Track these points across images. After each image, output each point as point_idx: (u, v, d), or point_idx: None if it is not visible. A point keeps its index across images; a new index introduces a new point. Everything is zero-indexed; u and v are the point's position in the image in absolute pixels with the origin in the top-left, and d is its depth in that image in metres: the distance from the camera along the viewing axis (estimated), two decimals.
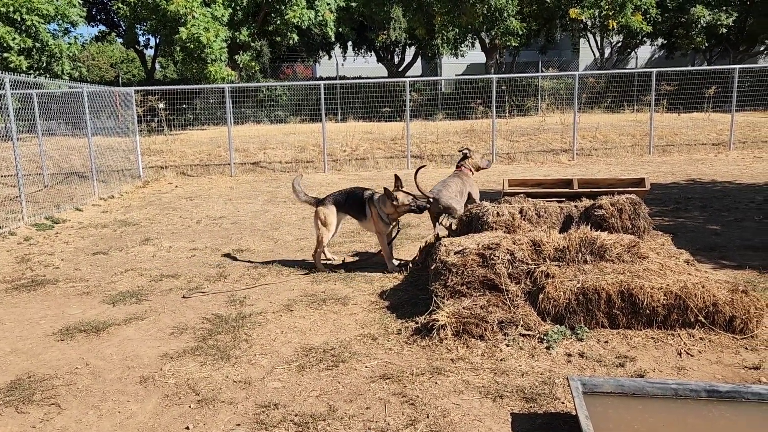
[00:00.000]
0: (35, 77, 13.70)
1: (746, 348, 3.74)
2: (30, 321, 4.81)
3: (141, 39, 27.17)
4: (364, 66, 32.42)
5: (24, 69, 14.95)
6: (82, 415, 3.28)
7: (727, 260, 5.66)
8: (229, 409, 3.28)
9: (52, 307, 5.16)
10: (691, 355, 3.68)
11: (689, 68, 20.07)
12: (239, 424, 3.12)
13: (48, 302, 5.30)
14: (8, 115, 8.72)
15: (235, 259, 6.58)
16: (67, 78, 16.43)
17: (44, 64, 16.05)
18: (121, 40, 30.15)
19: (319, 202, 6.12)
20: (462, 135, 16.55)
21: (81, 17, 17.22)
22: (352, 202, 6.01)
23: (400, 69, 31.25)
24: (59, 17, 16.27)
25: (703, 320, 3.85)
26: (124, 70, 43.43)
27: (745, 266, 5.39)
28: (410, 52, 31.65)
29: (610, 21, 23.08)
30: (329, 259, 6.26)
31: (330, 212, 5.99)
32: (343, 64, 31.57)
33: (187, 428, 3.10)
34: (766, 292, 4.67)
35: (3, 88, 8.63)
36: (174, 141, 16.68)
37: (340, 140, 16.10)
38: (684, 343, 3.80)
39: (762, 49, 30.38)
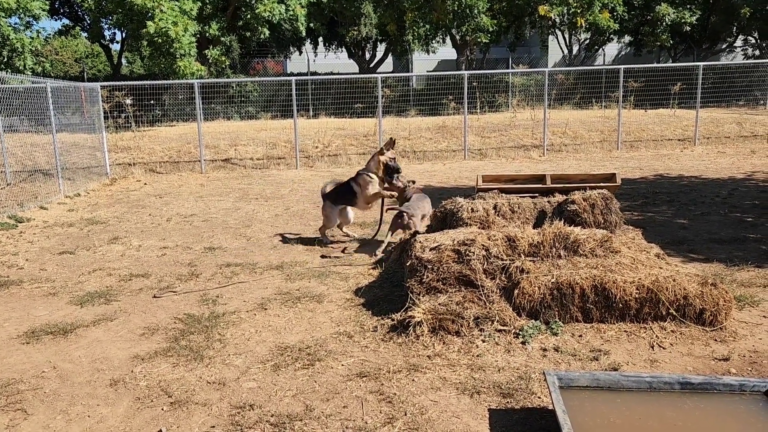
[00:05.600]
0: None
1: (715, 340, 3.82)
2: None
3: (107, 33, 26.53)
4: (335, 62, 32.26)
5: None
6: (49, 420, 3.18)
7: (695, 254, 5.78)
8: (203, 410, 3.22)
9: (16, 308, 5.00)
10: (663, 348, 3.75)
11: (655, 65, 20.51)
12: (214, 426, 3.06)
13: (12, 304, 5.13)
14: None
15: (206, 257, 6.47)
16: (30, 73, 15.95)
17: (5, 59, 15.55)
18: (85, 34, 29.43)
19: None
20: (434, 131, 16.59)
21: (43, 10, 16.72)
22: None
23: (371, 65, 31.18)
24: (21, 10, 15.77)
25: (674, 313, 3.93)
26: (89, 65, 42.43)
27: (713, 259, 5.51)
28: (381, 48, 31.63)
29: (578, 18, 23.42)
30: (346, 235, 7.03)
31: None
32: (314, 60, 31.37)
33: (161, 431, 3.03)
34: (734, 284, 4.78)
35: None
36: (142, 138, 16.34)
37: (312, 137, 15.98)
38: (656, 336, 3.87)
39: (724, 46, 31.20)
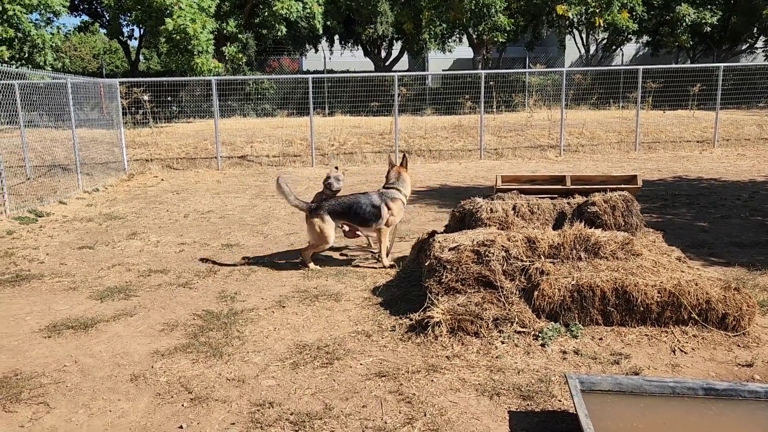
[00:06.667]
0: (17, 68, 13.43)
1: (739, 345, 3.77)
2: (15, 317, 4.71)
3: (125, 30, 26.76)
4: (351, 60, 32.28)
5: (6, 59, 14.65)
6: (71, 414, 3.21)
7: (716, 257, 5.71)
8: (222, 407, 3.23)
9: (38, 302, 5.06)
10: (685, 353, 3.70)
11: (675, 66, 20.26)
12: (234, 423, 3.08)
13: (33, 298, 5.19)
14: None
15: (224, 253, 6.50)
16: (50, 69, 16.13)
17: (26, 55, 15.74)
18: (104, 30, 29.72)
19: (313, 211, 5.70)
20: (450, 130, 16.55)
21: (64, 7, 16.92)
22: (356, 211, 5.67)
23: (387, 63, 31.17)
24: (42, 7, 15.96)
25: (696, 317, 3.88)
26: (107, 61, 42.80)
27: (734, 263, 5.44)
28: (397, 46, 31.57)
29: (596, 18, 23.23)
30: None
31: (327, 225, 5.65)
32: (330, 58, 31.40)
33: (181, 427, 3.05)
34: (756, 289, 4.72)
35: None
36: (159, 134, 16.46)
37: (327, 134, 16.01)
38: (678, 340, 3.82)
39: (745, 47, 30.77)
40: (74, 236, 7.63)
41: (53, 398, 3.37)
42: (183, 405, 3.27)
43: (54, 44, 16.71)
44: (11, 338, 4.27)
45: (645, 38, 29.82)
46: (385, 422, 3.04)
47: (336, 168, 6.46)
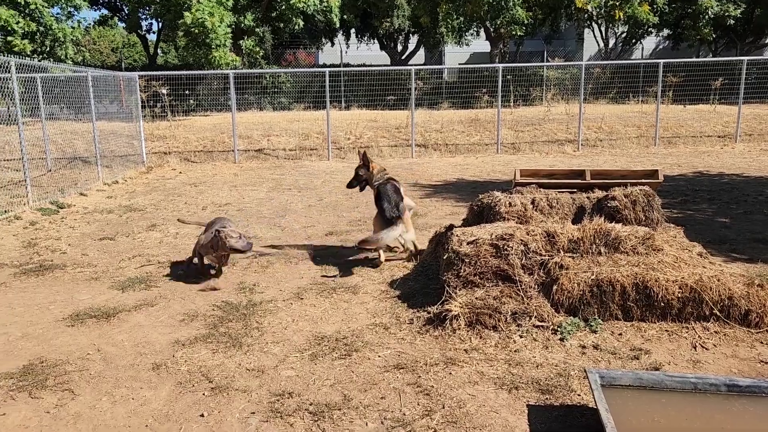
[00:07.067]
0: (39, 61, 13.60)
1: (761, 342, 3.72)
2: (40, 306, 4.79)
3: (144, 23, 26.98)
4: (367, 54, 32.24)
5: (28, 53, 14.84)
6: (95, 401, 3.26)
7: (738, 253, 5.64)
8: (243, 397, 3.27)
9: (61, 292, 5.14)
10: (706, 349, 3.67)
11: (696, 59, 19.94)
12: (254, 413, 3.11)
13: (57, 287, 5.28)
14: (13, 99, 8.65)
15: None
16: (71, 62, 16.32)
17: (48, 48, 15.93)
18: (123, 24, 29.96)
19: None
20: (466, 124, 16.48)
21: (84, 1, 17.08)
22: None
23: (403, 57, 31.10)
24: (63, 0, 16.13)
25: (718, 314, 3.84)
26: (125, 55, 43.17)
27: (757, 260, 5.36)
28: (413, 40, 31.47)
29: (616, 11, 22.93)
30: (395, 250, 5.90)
31: None
32: (346, 52, 31.38)
33: (202, 415, 3.09)
34: None
35: (8, 72, 8.55)
36: (177, 127, 16.60)
37: (344, 128, 16.02)
38: (699, 336, 3.79)
39: None
40: (95, 227, 7.73)
41: (77, 385, 3.43)
42: (204, 394, 3.31)
43: (75, 38, 16.90)
44: (36, 326, 4.35)
45: (666, 31, 29.39)
46: (404, 414, 3.05)
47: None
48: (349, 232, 7.02)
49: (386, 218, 5.41)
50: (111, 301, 4.84)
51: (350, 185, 6.08)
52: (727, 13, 24.57)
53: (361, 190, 6.09)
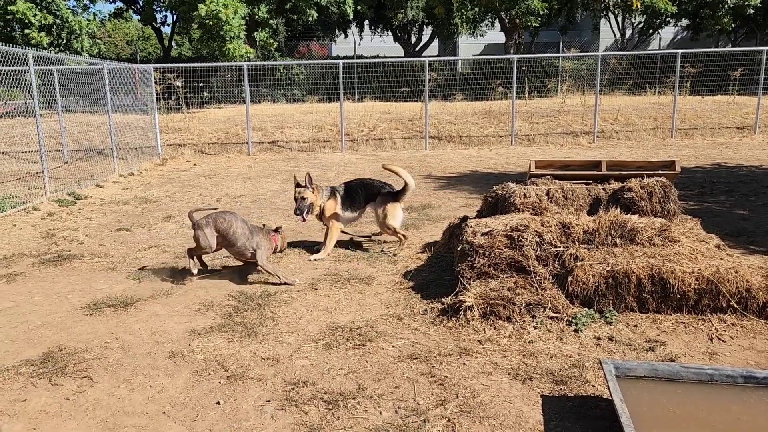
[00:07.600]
0: (56, 53, 13.72)
1: None
2: (58, 295, 4.86)
3: (158, 16, 27.11)
4: (380, 45, 32.15)
5: (45, 45, 14.98)
6: (114, 388, 3.31)
7: (756, 246, 5.57)
8: (258, 385, 3.30)
9: (79, 281, 5.21)
10: (723, 341, 3.64)
11: (715, 50, 19.62)
12: (269, 401, 3.14)
13: (75, 277, 5.35)
14: (31, 92, 8.74)
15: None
16: (87, 55, 16.45)
17: (64, 41, 16.06)
18: (138, 16, 30.11)
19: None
20: (481, 116, 16.39)
21: None
22: None
23: (417, 49, 30.96)
24: None
25: (735, 306, 3.80)
26: (140, 47, 43.42)
27: None
28: (427, 31, 31.30)
29: (634, 1, 22.63)
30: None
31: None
32: (359, 44, 31.31)
33: (218, 403, 3.13)
34: None
35: (26, 64, 8.64)
36: (191, 119, 16.69)
37: (357, 120, 16.01)
38: (715, 328, 3.76)
39: None
40: (111, 218, 7.81)
41: (96, 373, 3.49)
42: (220, 382, 3.34)
43: (90, 30, 17.02)
44: (55, 315, 4.42)
45: (684, 21, 28.96)
46: (418, 403, 3.06)
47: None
48: (363, 223, 7.02)
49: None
50: (128, 291, 4.90)
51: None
52: (747, 3, 24.14)
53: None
